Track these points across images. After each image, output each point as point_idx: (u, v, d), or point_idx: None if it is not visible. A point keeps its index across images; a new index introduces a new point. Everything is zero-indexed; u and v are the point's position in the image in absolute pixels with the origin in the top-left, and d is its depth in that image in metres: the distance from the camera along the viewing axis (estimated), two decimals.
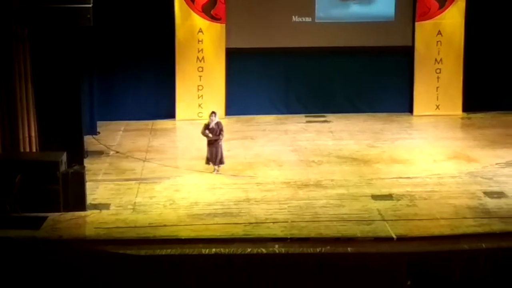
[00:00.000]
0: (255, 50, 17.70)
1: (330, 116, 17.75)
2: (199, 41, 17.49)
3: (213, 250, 10.41)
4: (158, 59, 17.42)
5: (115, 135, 16.38)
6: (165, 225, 11.22)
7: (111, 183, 13.09)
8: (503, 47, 17.73)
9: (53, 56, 12.54)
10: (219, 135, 13.28)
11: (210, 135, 13.23)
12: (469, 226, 11.13)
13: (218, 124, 13.36)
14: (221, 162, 13.40)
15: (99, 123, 16.61)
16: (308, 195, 12.50)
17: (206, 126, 13.32)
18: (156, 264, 10.23)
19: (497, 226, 11.08)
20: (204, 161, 13.58)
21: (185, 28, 17.43)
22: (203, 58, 17.54)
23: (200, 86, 17.62)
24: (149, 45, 17.27)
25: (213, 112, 13.44)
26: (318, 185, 13.01)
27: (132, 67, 17.36)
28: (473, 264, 10.32)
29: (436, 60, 17.85)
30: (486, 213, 11.58)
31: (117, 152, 15.18)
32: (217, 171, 13.38)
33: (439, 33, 17.74)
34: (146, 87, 17.51)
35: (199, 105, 17.66)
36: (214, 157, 13.31)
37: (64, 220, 11.39)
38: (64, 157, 12.02)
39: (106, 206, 11.97)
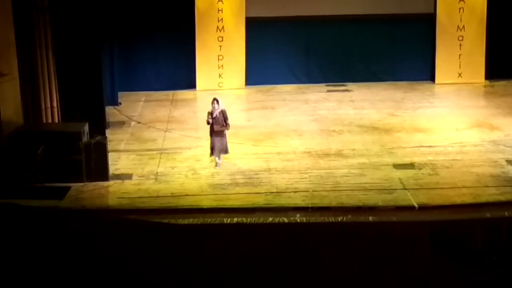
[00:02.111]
0: (275, 19, 17.58)
1: (350, 85, 17.66)
2: (219, 10, 17.41)
3: (235, 219, 10.48)
4: (178, 29, 17.38)
5: (136, 106, 16.45)
6: (187, 195, 11.29)
7: (133, 154, 13.18)
8: None
9: (74, 26, 12.54)
10: (225, 125, 12.21)
11: (223, 124, 12.21)
12: (492, 194, 11.08)
13: (223, 112, 12.24)
14: (226, 151, 12.38)
15: (120, 93, 16.69)
16: (329, 164, 12.49)
17: (210, 114, 12.26)
18: (179, 233, 10.32)
19: None
20: (206, 154, 12.84)
21: None
22: (223, 27, 17.47)
23: (220, 56, 17.57)
24: (169, 15, 17.22)
25: (215, 99, 12.29)
26: (339, 154, 13.00)
27: (152, 37, 17.34)
28: (495, 232, 10.29)
29: (458, 27, 17.63)
30: (509, 182, 11.51)
31: (139, 122, 15.25)
32: (219, 164, 12.29)
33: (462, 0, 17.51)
34: (166, 58, 17.51)
35: (220, 75, 17.65)
36: (219, 149, 12.25)
37: (87, 190, 11.51)
38: (86, 127, 12.10)
39: (128, 176, 12.06)
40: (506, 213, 10.47)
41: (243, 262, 10.03)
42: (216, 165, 12.31)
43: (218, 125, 12.22)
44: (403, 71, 17.92)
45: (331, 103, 16.39)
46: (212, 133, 12.31)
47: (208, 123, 12.28)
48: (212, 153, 12.40)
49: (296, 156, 12.92)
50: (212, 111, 12.28)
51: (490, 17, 17.49)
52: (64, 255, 10.32)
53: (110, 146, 12.52)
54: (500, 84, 17.57)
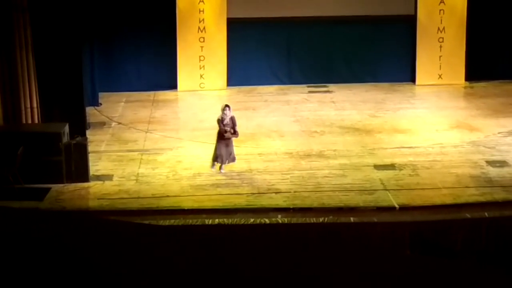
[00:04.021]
0: (257, 20, 17.58)
1: (332, 86, 17.69)
2: (200, 11, 17.38)
3: (216, 220, 10.46)
4: (159, 29, 17.32)
5: (116, 106, 16.36)
6: (168, 196, 11.25)
7: (114, 154, 13.10)
8: (506, 16, 17.60)
9: (54, 26, 12.46)
10: (234, 132, 11.88)
11: (231, 131, 11.79)
12: (471, 195, 11.15)
13: (232, 119, 11.92)
14: (233, 159, 12.04)
15: (100, 94, 16.59)
16: (310, 165, 12.51)
17: (221, 121, 11.84)
18: (160, 234, 10.28)
19: (499, 195, 11.10)
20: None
21: None
22: (204, 28, 17.44)
23: (202, 57, 17.54)
24: (150, 16, 17.16)
25: (227, 106, 11.97)
26: (320, 155, 13.02)
27: (133, 38, 17.26)
28: (475, 233, 10.36)
29: (438, 29, 17.74)
30: (489, 182, 11.59)
31: (119, 123, 15.18)
32: (223, 169, 11.98)
33: (442, 1, 17.61)
34: (147, 58, 17.44)
35: (201, 76, 17.61)
36: (227, 155, 11.89)
37: (67, 191, 11.43)
38: (66, 128, 12.02)
39: (109, 177, 12.00)
40: (485, 214, 10.54)
41: (224, 263, 10.04)
42: (219, 170, 12.01)
43: (228, 132, 11.89)
44: (384, 72, 17.99)
45: (313, 104, 16.42)
46: (221, 140, 11.90)
47: (225, 132, 11.80)
48: (216, 161, 11.94)
49: (277, 157, 12.93)
50: (223, 118, 11.91)
51: (470, 18, 17.62)
52: (44, 257, 10.26)
53: (90, 147, 12.44)
54: (480, 85, 17.70)
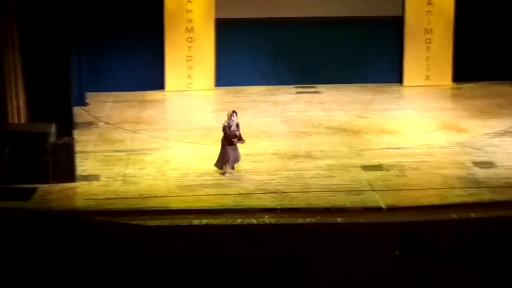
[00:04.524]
0: (245, 20, 17.57)
1: (320, 87, 17.71)
2: (188, 11, 17.36)
3: (204, 221, 10.45)
4: (147, 30, 17.27)
5: (104, 106, 16.31)
6: (155, 196, 11.23)
7: (101, 155, 13.06)
8: (492, 17, 17.68)
9: (41, 26, 12.41)
10: (241, 139, 11.96)
11: (239, 138, 11.90)
12: (458, 196, 11.20)
13: (237, 124, 12.02)
14: (239, 159, 12.14)
15: (88, 94, 16.55)
16: (298, 166, 12.52)
17: (229, 128, 11.91)
18: (147, 235, 10.26)
19: (485, 196, 11.16)
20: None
21: None
22: (192, 28, 17.42)
23: (190, 57, 17.52)
24: (138, 16, 17.11)
25: (234, 112, 12.02)
26: (308, 156, 13.03)
27: (120, 38, 17.21)
28: (462, 233, 10.40)
29: (426, 30, 17.80)
30: (475, 183, 11.64)
31: (107, 123, 15.13)
32: (232, 173, 12.04)
33: (429, 3, 17.68)
34: (135, 58, 17.38)
35: (189, 76, 17.59)
36: (234, 160, 11.99)
37: (54, 192, 11.38)
38: (53, 128, 11.97)
39: (96, 177, 11.96)
40: (472, 214, 10.59)
41: (212, 262, 10.02)
42: (224, 173, 12.01)
43: (236, 138, 11.92)
44: (371, 73, 18.03)
45: (300, 105, 16.43)
46: (228, 145, 11.91)
47: (235, 137, 11.83)
48: (222, 166, 11.97)
49: (265, 158, 12.94)
50: (230, 124, 11.95)
51: (457, 20, 17.69)
52: (31, 256, 10.19)
53: (77, 147, 12.40)
54: (467, 86, 17.78)
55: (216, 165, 12.06)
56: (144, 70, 17.50)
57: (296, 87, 17.74)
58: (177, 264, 9.97)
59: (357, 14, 17.70)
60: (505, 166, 12.36)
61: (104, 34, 17.09)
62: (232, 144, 11.91)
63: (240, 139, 11.95)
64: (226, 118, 12.09)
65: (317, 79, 17.86)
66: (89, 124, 14.95)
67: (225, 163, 11.97)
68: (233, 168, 12.07)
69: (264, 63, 17.93)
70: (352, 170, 12.27)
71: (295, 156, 13.00)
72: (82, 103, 16.11)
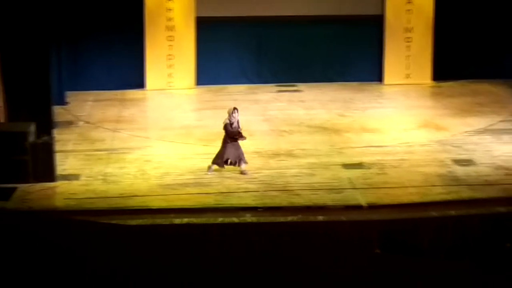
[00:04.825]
0: (226, 18, 17.54)
1: (301, 86, 17.73)
2: (168, 9, 17.30)
3: (185, 220, 10.42)
4: (127, 28, 17.19)
5: (84, 105, 16.21)
6: (136, 196, 11.18)
7: (81, 154, 12.99)
8: (472, 16, 17.81)
9: (20, 25, 12.30)
10: (242, 135, 11.80)
11: (241, 136, 11.74)
12: (438, 193, 11.26)
13: (238, 122, 11.90)
14: (245, 161, 11.93)
15: (68, 93, 16.43)
16: (279, 164, 12.53)
17: (230, 125, 11.77)
18: (127, 234, 10.20)
19: (465, 194, 11.23)
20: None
21: None
22: (172, 27, 17.36)
23: (170, 56, 17.46)
24: (118, 14, 17.02)
25: (235, 109, 11.91)
26: (289, 154, 13.04)
27: (100, 36, 17.11)
28: (442, 231, 10.46)
29: (406, 28, 17.88)
30: (455, 181, 11.72)
31: (87, 122, 15.04)
32: (245, 172, 11.84)
33: (409, 1, 17.76)
34: (115, 57, 17.29)
35: (169, 75, 17.53)
36: (237, 158, 11.82)
37: (33, 191, 11.29)
38: (32, 127, 11.88)
39: (76, 176, 11.88)
40: (452, 212, 10.66)
41: (192, 262, 9.99)
42: (209, 169, 11.93)
43: (240, 135, 11.80)
44: (352, 71, 18.08)
45: (282, 103, 16.44)
46: (230, 143, 11.77)
47: (238, 133, 11.69)
48: (218, 162, 11.81)
49: (246, 156, 12.89)
50: (231, 121, 11.83)
51: (437, 18, 17.79)
52: (10, 257, 10.11)
53: (57, 146, 12.31)
54: (447, 85, 17.88)
55: (213, 161, 11.91)
56: (125, 69, 17.41)
57: (277, 85, 17.74)
58: (158, 264, 9.93)
59: (338, 13, 17.74)
60: (485, 164, 12.45)
61: (84, 33, 16.98)
62: (234, 141, 11.78)
63: (241, 136, 11.84)
64: (226, 116, 11.97)
65: (298, 77, 17.87)
66: (69, 123, 14.85)
67: (217, 162, 11.84)
68: (236, 165, 11.82)
69: (245, 62, 17.91)
70: (333, 168, 12.30)
71: (276, 154, 13.00)
72: (62, 102, 15.99)
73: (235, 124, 11.83)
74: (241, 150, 11.92)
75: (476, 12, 17.79)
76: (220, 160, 11.86)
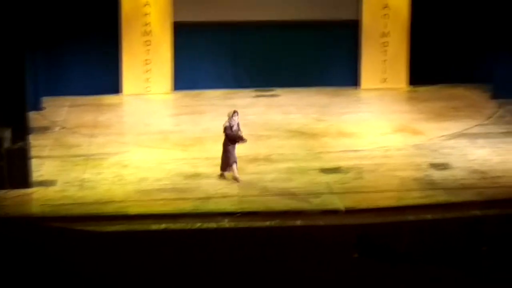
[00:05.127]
0: (203, 23, 17.54)
1: (278, 90, 17.77)
2: (145, 14, 17.25)
3: (162, 225, 10.38)
4: (103, 33, 17.12)
5: (60, 111, 16.11)
6: (113, 201, 11.12)
7: (57, 159, 12.89)
8: (447, 21, 17.97)
9: None
10: (242, 138, 11.83)
11: (242, 139, 11.77)
12: (415, 197, 11.34)
13: (238, 125, 11.93)
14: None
15: (44, 99, 16.33)
16: (257, 169, 12.53)
17: (230, 128, 11.80)
18: (105, 240, 10.15)
19: (442, 197, 11.32)
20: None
21: (131, 1, 17.16)
22: (149, 31, 17.31)
23: (148, 60, 17.41)
24: (94, 19, 16.95)
25: (235, 112, 11.92)
26: (267, 159, 13.05)
27: (77, 41, 17.02)
28: (419, 235, 10.52)
29: (383, 33, 17.99)
30: (431, 185, 11.80)
31: (63, 127, 14.94)
32: (238, 179, 11.92)
33: (386, 6, 17.88)
34: (91, 62, 17.21)
35: (146, 80, 17.48)
36: (233, 161, 11.87)
37: (9, 198, 11.19)
38: (8, 133, 11.76)
39: (52, 182, 11.79)
40: (429, 216, 10.72)
41: (170, 267, 9.95)
42: (221, 176, 11.94)
43: (240, 138, 11.81)
44: (329, 76, 18.15)
45: (259, 108, 16.45)
46: (231, 146, 11.79)
47: (243, 139, 11.72)
48: (227, 168, 11.83)
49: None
50: (231, 124, 11.83)
51: (413, 23, 17.93)
52: None
53: (33, 152, 12.21)
54: (423, 89, 18.02)
55: (222, 168, 11.89)
56: (101, 74, 17.33)
57: (255, 90, 17.76)
58: (135, 270, 9.88)
59: (315, 17, 17.81)
60: (460, 167, 12.56)
61: (60, 38, 16.89)
62: (234, 143, 11.79)
63: (242, 139, 11.82)
64: (226, 119, 11.96)
65: (276, 82, 17.91)
66: (45, 129, 14.74)
67: (231, 165, 11.84)
68: (236, 169, 11.87)
69: (223, 67, 17.91)
70: (310, 173, 12.33)
71: (254, 159, 13.00)
72: (38, 107, 15.89)
73: (235, 127, 11.83)
74: (235, 152, 11.89)
75: (452, 17, 17.96)
76: (228, 166, 11.84)
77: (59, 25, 16.79)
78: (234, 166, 11.89)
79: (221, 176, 11.94)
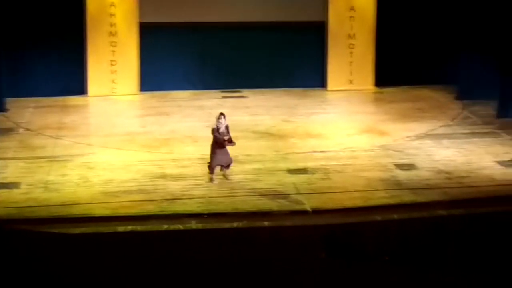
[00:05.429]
0: (169, 24, 17.47)
1: (246, 92, 17.77)
2: (111, 15, 17.12)
3: (129, 227, 10.29)
4: (68, 34, 16.94)
5: (24, 112, 15.90)
6: (78, 203, 10.99)
7: (21, 161, 12.71)
8: (413, 22, 18.15)
9: None
10: (231, 141, 11.72)
11: (229, 140, 11.61)
12: (381, 197, 11.40)
13: (226, 127, 11.77)
14: (231, 162, 11.97)
15: (8, 100, 16.09)
16: (224, 170, 12.48)
17: (216, 131, 11.70)
18: (71, 242, 10.03)
19: (407, 197, 11.40)
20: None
21: (96, 1, 17.02)
22: (115, 32, 17.19)
23: (113, 61, 17.28)
24: (59, 20, 16.77)
25: (222, 114, 11.77)
26: (234, 160, 12.97)
27: (41, 42, 16.81)
28: (385, 235, 10.59)
29: (349, 35, 18.10)
30: (397, 185, 11.89)
31: (27, 129, 14.75)
32: (229, 177, 11.92)
33: (352, 8, 18.00)
34: (56, 63, 17.03)
35: (112, 81, 17.34)
36: (226, 163, 11.84)
37: None
38: None
39: (16, 185, 11.62)
40: (395, 216, 10.80)
41: (137, 270, 9.87)
42: (211, 180, 11.85)
43: (226, 141, 11.65)
44: (296, 78, 18.21)
45: (226, 109, 16.35)
46: (218, 149, 11.69)
47: (224, 141, 11.57)
48: (212, 170, 11.80)
49: (191, 163, 12.86)
50: (218, 127, 11.69)
51: (379, 25, 18.07)
52: None
53: None
54: (389, 90, 18.17)
55: (209, 170, 11.88)
56: (66, 75, 17.15)
57: (222, 91, 17.74)
58: (101, 272, 9.78)
59: (282, 19, 17.85)
60: (426, 168, 12.67)
61: (24, 38, 16.68)
62: (222, 147, 11.70)
63: (230, 141, 11.70)
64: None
65: (243, 83, 17.91)
66: (8, 130, 14.53)
67: (213, 168, 11.80)
68: (227, 169, 11.87)
69: (189, 68, 17.86)
70: (278, 174, 12.34)
71: None
72: (2, 109, 15.67)
73: (222, 130, 11.71)
74: (228, 155, 11.83)
75: (417, 19, 18.14)
76: (212, 168, 11.81)
77: (22, 26, 16.58)
78: (218, 168, 11.81)
79: (210, 178, 11.90)
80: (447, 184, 11.93)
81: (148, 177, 12.07)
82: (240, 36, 17.90)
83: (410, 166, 12.75)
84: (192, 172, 12.39)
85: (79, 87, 17.16)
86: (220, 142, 11.69)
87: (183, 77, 17.84)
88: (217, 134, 11.72)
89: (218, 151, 11.75)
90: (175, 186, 11.70)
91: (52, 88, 16.98)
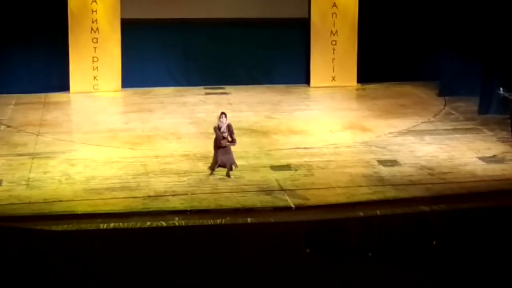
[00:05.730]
0: (152, 21, 17.41)
1: (229, 88, 17.75)
2: (93, 11, 17.02)
3: (112, 224, 10.24)
4: (50, 30, 16.84)
5: (5, 109, 15.78)
6: (60, 201, 10.92)
7: (3, 159, 12.61)
8: (395, 19, 18.22)
9: None
10: (232, 140, 11.71)
11: (229, 139, 11.67)
12: (364, 194, 11.44)
13: (229, 126, 11.78)
14: (235, 165, 11.95)
15: None
16: (207, 167, 12.46)
17: (218, 129, 11.71)
18: (53, 240, 9.97)
19: (390, 193, 11.44)
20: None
21: None
22: (97, 29, 17.09)
23: (95, 58, 17.18)
24: (41, 16, 16.66)
25: (223, 113, 11.79)
26: None
27: (22, 38, 16.70)
28: (368, 230, 10.63)
29: (331, 32, 18.14)
30: (380, 181, 11.93)
31: (9, 126, 14.63)
32: (230, 175, 11.90)
33: (334, 5, 18.02)
34: (38, 59, 16.91)
35: (95, 77, 17.25)
36: (228, 163, 11.84)
37: None
38: None
39: None
40: (378, 212, 10.83)
41: (119, 267, 9.83)
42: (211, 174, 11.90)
43: (225, 139, 11.67)
44: (279, 74, 18.22)
45: (210, 106, 16.40)
46: (219, 148, 11.70)
47: (223, 139, 11.59)
48: (214, 169, 11.84)
49: (174, 159, 12.82)
50: (219, 125, 11.71)
51: (361, 22, 18.12)
52: None
53: None
54: (371, 87, 18.23)
55: (210, 167, 11.93)
56: (48, 72, 17.05)
57: (205, 88, 17.71)
58: (83, 269, 9.73)
59: (265, 15, 17.85)
60: (408, 164, 12.73)
61: (5, 35, 16.55)
62: (221, 146, 11.70)
63: (231, 140, 11.71)
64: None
65: (226, 80, 17.90)
66: None
67: (213, 166, 11.82)
68: (230, 169, 11.88)
69: (173, 64, 17.81)
70: (261, 170, 12.33)
71: (205, 157, 12.93)
72: None
73: (223, 129, 11.72)
74: (231, 154, 11.83)
75: (399, 16, 18.21)
76: (213, 166, 11.85)
77: (3, 22, 16.45)
78: (218, 167, 11.84)
79: (210, 174, 11.91)
80: (430, 180, 11.98)
81: (131, 174, 12.02)
82: (224, 33, 17.88)
83: (392, 162, 12.80)
84: (175, 168, 12.36)
85: (61, 84, 17.05)
86: (219, 140, 11.70)
87: (166, 73, 17.79)
88: (218, 133, 11.73)
89: (219, 150, 11.78)
90: (158, 183, 11.66)
91: (33, 85, 16.87)
